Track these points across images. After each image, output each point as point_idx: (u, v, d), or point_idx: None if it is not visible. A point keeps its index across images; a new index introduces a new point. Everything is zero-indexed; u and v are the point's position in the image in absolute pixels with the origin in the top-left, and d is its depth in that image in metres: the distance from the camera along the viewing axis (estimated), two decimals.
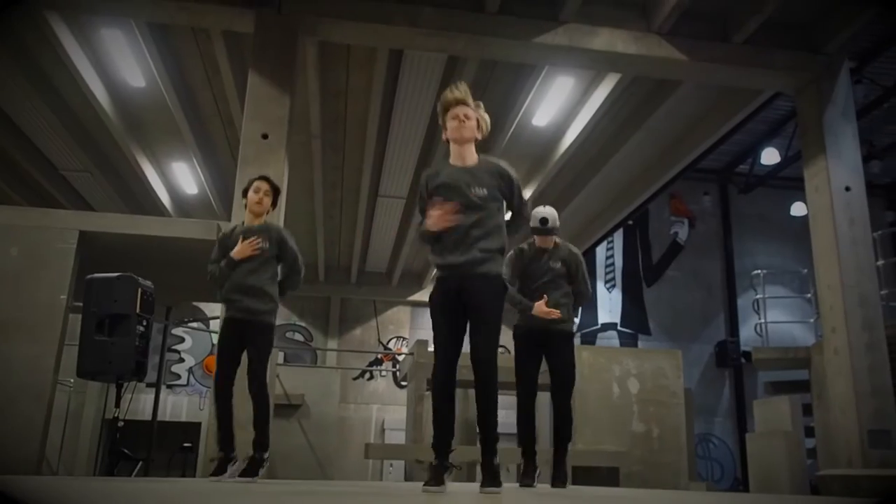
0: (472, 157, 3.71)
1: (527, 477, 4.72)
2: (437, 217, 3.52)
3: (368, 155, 10.65)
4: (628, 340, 15.91)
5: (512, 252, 5.01)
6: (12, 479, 4.03)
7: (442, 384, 3.55)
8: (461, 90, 3.70)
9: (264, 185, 4.84)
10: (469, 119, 3.64)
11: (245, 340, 4.69)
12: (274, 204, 4.94)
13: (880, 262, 8.50)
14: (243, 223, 4.92)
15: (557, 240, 5.10)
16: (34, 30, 8.51)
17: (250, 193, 4.83)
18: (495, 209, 3.65)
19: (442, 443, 3.51)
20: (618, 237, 16.06)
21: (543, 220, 4.98)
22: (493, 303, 3.56)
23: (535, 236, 5.06)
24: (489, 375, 3.46)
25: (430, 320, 3.65)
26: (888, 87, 11.66)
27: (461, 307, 3.55)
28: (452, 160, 3.73)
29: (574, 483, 7.87)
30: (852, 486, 6.13)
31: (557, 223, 5.04)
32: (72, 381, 9.88)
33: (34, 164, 11.65)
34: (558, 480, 4.80)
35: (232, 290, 4.69)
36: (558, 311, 4.81)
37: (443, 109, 3.71)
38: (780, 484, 8.40)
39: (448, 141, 3.73)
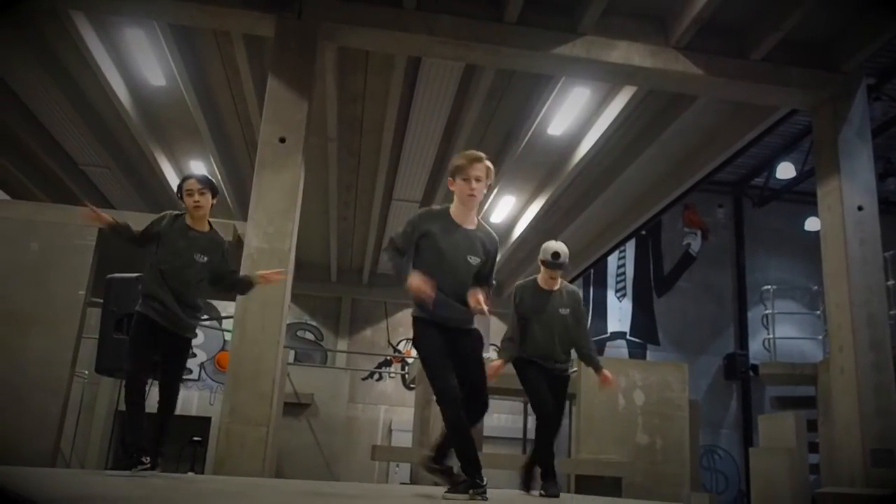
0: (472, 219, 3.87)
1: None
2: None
3: (384, 159, 10.75)
4: (637, 350, 15.93)
5: (516, 289, 5.05)
6: (28, 471, 4.15)
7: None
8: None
9: (196, 185, 4.49)
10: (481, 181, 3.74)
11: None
12: (213, 196, 4.57)
13: (891, 282, 8.49)
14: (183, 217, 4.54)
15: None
16: (58, 27, 8.68)
17: (185, 197, 4.47)
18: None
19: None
20: (630, 246, 16.08)
21: (556, 255, 4.87)
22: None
23: (544, 269, 4.95)
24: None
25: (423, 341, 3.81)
26: None
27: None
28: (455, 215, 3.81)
29: (577, 492, 7.93)
30: None
31: (568, 260, 4.93)
32: (87, 372, 10.03)
33: (54, 159, 11.84)
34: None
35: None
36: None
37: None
38: (781, 499, 8.41)
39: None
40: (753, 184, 16.09)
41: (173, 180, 12.46)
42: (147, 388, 4.50)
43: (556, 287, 4.96)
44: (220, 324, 14.17)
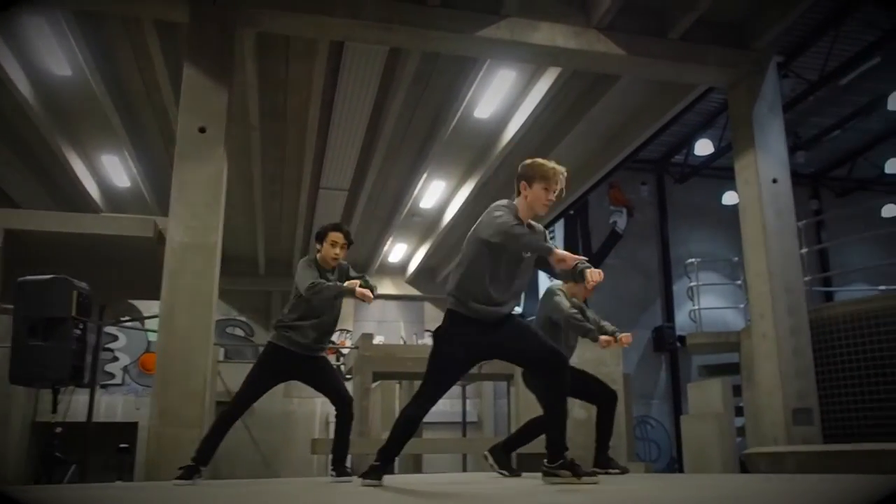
0: None
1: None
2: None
3: (309, 147, 10.52)
4: None
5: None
6: None
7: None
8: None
9: (341, 239, 4.80)
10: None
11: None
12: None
13: (804, 250, 8.89)
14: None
15: None
16: None
17: (326, 245, 4.78)
18: None
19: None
20: (559, 227, 16.29)
21: None
22: None
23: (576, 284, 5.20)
24: None
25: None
26: (813, 80, 12.15)
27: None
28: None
29: (521, 469, 8.00)
30: (777, 462, 6.43)
31: None
32: None
33: None
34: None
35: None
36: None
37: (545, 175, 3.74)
38: (712, 462, 8.73)
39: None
40: (674, 161, 16.55)
41: (84, 176, 11.87)
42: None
43: None
44: (143, 324, 13.63)
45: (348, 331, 16.83)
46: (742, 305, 11.36)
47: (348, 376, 13.85)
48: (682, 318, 15.90)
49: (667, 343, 15.99)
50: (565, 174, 3.80)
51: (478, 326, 3.64)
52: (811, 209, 16.51)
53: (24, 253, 7.14)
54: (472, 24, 7.50)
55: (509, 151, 10.86)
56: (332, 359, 16.56)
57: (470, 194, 12.20)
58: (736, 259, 11.25)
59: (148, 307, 12.99)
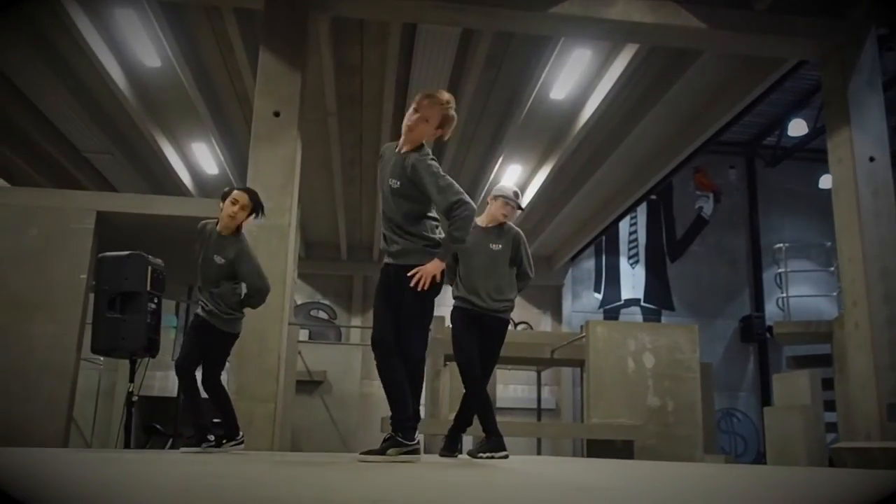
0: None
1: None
2: None
3: (385, 132, 10.61)
4: (652, 316, 15.79)
5: None
6: (36, 451, 4.17)
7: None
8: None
9: (243, 198, 4.75)
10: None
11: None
12: (250, 215, 4.88)
13: None
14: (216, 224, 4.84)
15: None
16: (50, 14, 8.58)
17: (226, 203, 4.73)
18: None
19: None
20: (641, 212, 15.88)
21: (516, 194, 4.89)
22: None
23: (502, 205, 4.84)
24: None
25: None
26: None
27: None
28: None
29: (589, 456, 7.89)
30: (866, 458, 6.05)
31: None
32: (101, 359, 10.09)
33: (56, 146, 11.81)
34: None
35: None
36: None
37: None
38: (797, 457, 8.34)
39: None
40: (765, 143, 15.80)
41: (176, 162, 12.42)
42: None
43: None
44: None
45: None
46: (835, 293, 10.74)
47: None
48: (772, 308, 15.23)
49: (755, 333, 15.36)
50: (424, 94, 3.69)
51: None
52: None
53: (116, 233, 7.52)
54: (543, 1, 7.35)
55: (587, 133, 10.63)
56: None
57: (547, 178, 12.03)
58: (829, 244, 10.64)
59: None
